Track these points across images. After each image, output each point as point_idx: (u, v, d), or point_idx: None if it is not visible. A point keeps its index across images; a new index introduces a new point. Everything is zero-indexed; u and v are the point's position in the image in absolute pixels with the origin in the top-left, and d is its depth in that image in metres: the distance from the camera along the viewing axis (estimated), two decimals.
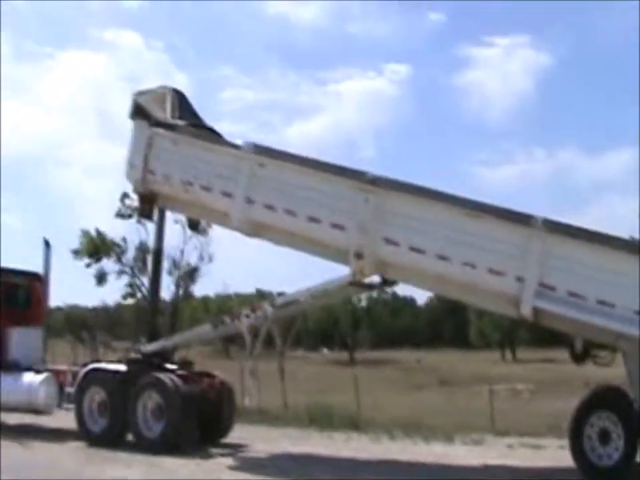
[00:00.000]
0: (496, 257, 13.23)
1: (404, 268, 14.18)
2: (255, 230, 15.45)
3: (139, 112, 16.57)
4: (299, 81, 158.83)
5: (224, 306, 69.60)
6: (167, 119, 16.51)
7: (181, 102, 17.12)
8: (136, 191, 17.05)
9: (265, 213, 14.97)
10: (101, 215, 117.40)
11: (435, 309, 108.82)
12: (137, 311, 50.60)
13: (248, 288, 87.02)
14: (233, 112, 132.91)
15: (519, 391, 34.00)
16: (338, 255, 14.67)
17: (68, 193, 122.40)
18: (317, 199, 14.48)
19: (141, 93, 17.03)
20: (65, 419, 16.83)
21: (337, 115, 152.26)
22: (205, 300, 78.69)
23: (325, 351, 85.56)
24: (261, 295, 77.46)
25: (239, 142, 15.91)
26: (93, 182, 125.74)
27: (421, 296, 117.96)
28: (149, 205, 16.98)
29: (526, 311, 13.07)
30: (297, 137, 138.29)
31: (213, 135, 17.02)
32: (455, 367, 57.56)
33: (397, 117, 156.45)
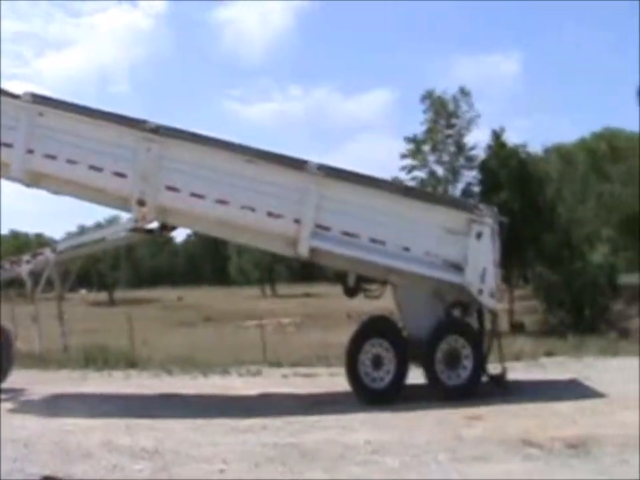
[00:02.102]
0: (274, 200, 13.93)
1: (185, 213, 14.53)
2: (34, 179, 15.13)
3: None
4: (50, 11, 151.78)
5: None
6: None
7: None
8: None
9: (45, 163, 14.70)
10: None
11: (194, 247, 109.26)
12: None
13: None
14: None
15: (285, 325, 35.25)
16: (119, 202, 14.78)
17: None
18: (98, 148, 14.41)
19: None
20: None
21: (90, 48, 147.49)
22: None
23: (84, 291, 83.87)
24: (16, 236, 74.90)
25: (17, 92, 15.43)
26: None
27: (180, 233, 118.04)
28: None
29: (303, 251, 13.94)
30: (49, 71, 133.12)
31: None
32: (217, 304, 58.54)
33: (153, 52, 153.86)
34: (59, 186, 15.22)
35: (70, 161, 14.52)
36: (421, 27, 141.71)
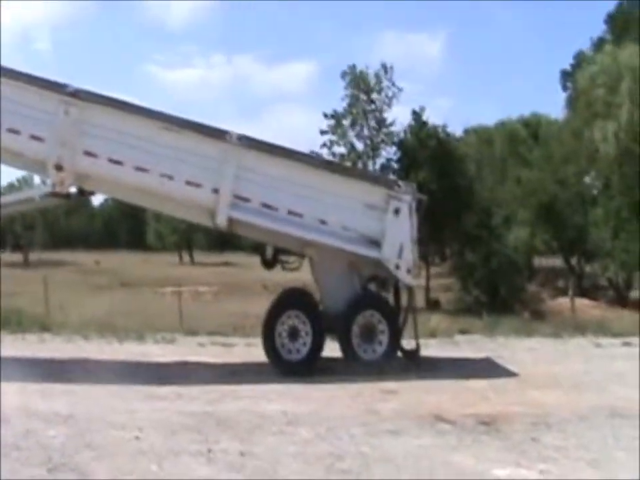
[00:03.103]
0: (193, 169, 13.94)
1: (103, 179, 14.38)
2: None
3: None
4: None
5: None
6: None
7: None
8: None
9: None
10: None
11: (111, 210, 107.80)
12: None
13: None
14: None
15: (202, 293, 35.17)
16: (37, 166, 14.60)
17: None
18: (16, 109, 14.02)
19: None
20: None
21: (10, 4, 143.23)
22: None
23: None
24: None
25: None
26: None
27: (97, 197, 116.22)
28: None
29: (221, 221, 14.00)
30: None
31: None
32: (134, 269, 58.04)
33: (76, 12, 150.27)
34: None
35: None
36: (348, 2, 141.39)
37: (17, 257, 76.19)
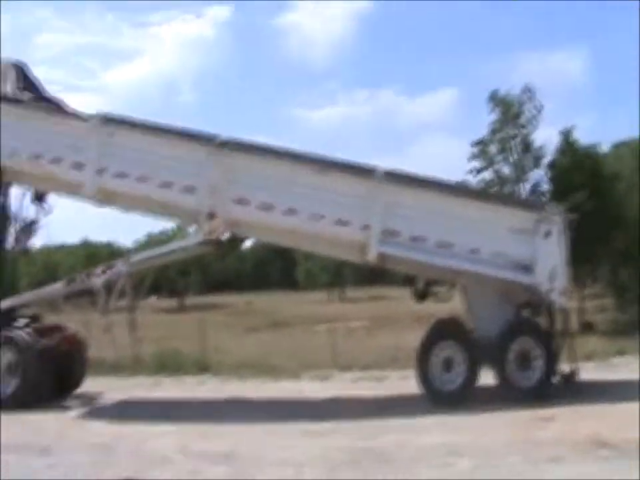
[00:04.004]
0: (342, 208, 14.10)
1: (254, 225, 14.81)
2: (106, 198, 15.56)
3: None
4: (117, 24, 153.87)
5: (50, 259, 67.65)
6: (10, 93, 16.23)
7: (23, 74, 16.83)
8: None
9: (116, 182, 15.15)
10: None
11: (261, 252, 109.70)
12: None
13: (73, 238, 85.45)
14: (49, 57, 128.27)
15: (354, 328, 35.18)
16: (189, 216, 15.28)
17: None
18: (168, 164, 14.81)
19: None
20: None
21: (156, 59, 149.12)
22: (27, 252, 76.14)
23: (154, 298, 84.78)
24: (88, 246, 76.19)
25: (87, 113, 15.83)
26: None
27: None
28: None
29: (372, 257, 14.05)
30: (116, 82, 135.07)
31: (58, 107, 16.81)
32: (285, 309, 58.50)
33: (217, 60, 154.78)
34: (130, 203, 15.67)
35: (140, 178, 14.90)
36: (484, 26, 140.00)
37: (173, 302, 78.40)
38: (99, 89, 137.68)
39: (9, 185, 17.14)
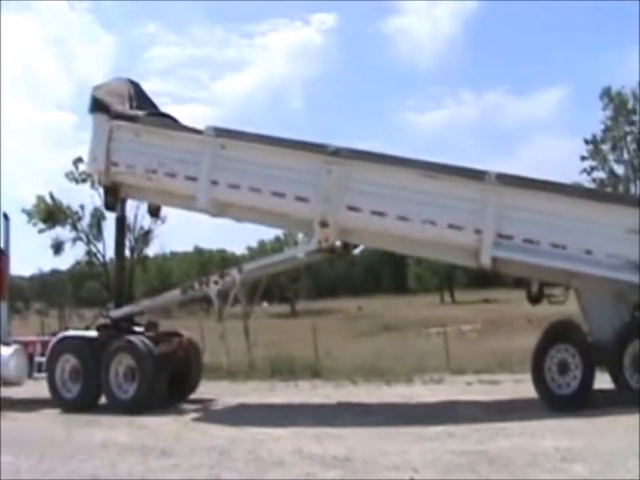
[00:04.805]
0: (454, 212, 14.01)
1: (366, 232, 14.91)
2: (219, 209, 15.91)
3: (98, 106, 16.80)
4: (225, 35, 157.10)
5: (163, 267, 69.34)
6: (126, 110, 16.77)
7: (137, 92, 17.42)
8: (100, 183, 17.43)
9: (229, 193, 15.48)
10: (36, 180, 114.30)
11: (371, 257, 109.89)
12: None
13: (185, 246, 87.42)
14: (159, 70, 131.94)
15: (465, 332, 34.95)
16: (302, 225, 15.54)
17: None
18: (280, 174, 15.04)
19: (98, 87, 17.18)
20: (33, 388, 16.93)
21: (264, 68, 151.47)
22: (143, 260, 78.34)
23: (265, 304, 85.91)
24: (201, 253, 77.75)
25: (199, 127, 16.22)
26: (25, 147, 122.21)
27: None
28: (113, 196, 17.14)
29: (485, 261, 13.89)
30: (225, 92, 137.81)
31: (172, 122, 17.33)
32: (396, 312, 58.66)
33: (325, 67, 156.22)
34: (242, 214, 16.00)
35: (253, 189, 15.19)
36: (591, 21, 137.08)
37: (284, 307, 79.25)
38: (208, 100, 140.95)
39: (125, 199, 17.72)
